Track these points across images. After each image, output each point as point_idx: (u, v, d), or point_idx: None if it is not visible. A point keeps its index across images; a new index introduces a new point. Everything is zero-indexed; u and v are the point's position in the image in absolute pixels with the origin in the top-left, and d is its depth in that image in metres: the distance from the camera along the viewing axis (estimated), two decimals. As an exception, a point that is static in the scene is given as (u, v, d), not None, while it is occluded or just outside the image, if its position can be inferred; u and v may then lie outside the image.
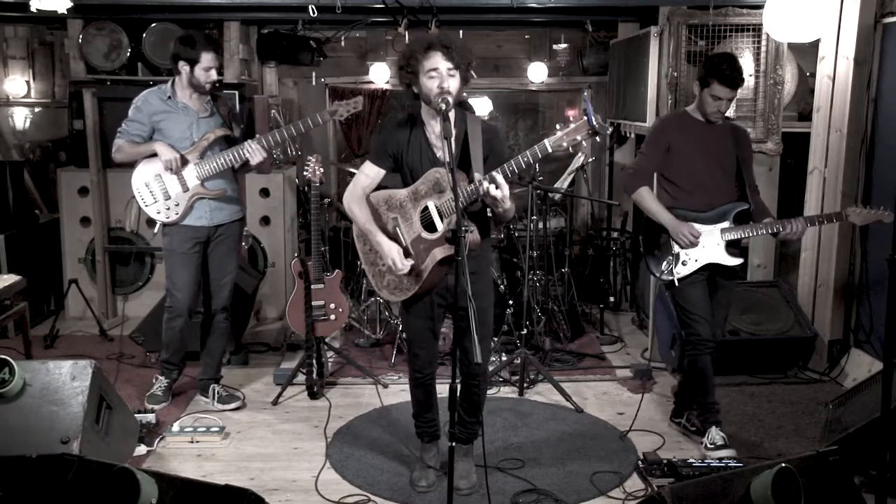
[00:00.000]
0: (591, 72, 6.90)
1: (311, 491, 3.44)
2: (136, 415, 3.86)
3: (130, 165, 4.08)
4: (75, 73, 5.99)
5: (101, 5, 5.64)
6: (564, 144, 2.90)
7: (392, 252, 3.14)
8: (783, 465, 2.25)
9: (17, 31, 6.71)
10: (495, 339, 4.86)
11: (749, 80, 4.90)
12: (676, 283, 3.71)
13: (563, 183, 5.66)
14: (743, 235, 3.71)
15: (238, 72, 6.19)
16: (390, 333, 5.29)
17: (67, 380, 3.12)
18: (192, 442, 3.87)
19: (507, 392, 4.57)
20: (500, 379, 4.65)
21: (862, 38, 4.53)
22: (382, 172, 3.23)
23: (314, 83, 7.20)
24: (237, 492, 2.37)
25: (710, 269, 3.74)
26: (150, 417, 4.01)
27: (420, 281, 3.16)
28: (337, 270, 4.70)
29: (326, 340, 4.80)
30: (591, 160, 5.98)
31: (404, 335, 4.62)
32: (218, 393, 4.31)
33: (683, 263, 3.71)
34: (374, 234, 3.20)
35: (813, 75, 5.04)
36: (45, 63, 6.96)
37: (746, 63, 4.85)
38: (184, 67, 3.99)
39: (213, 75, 4.02)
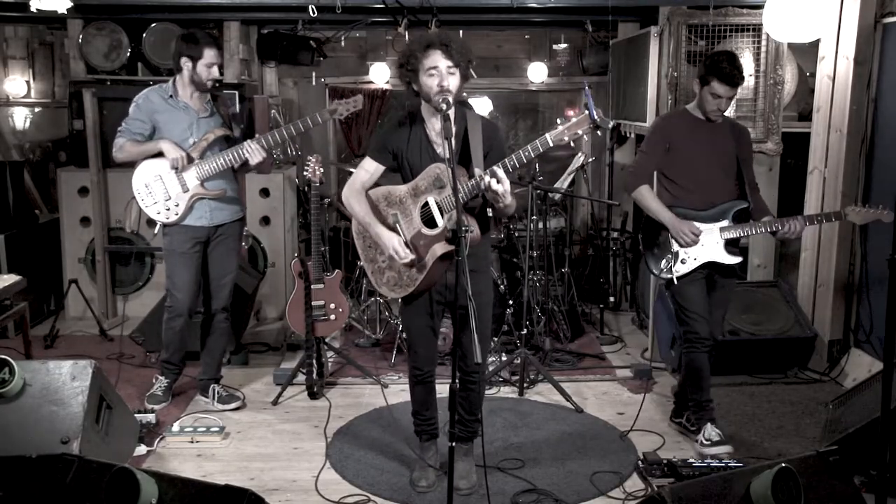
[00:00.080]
0: (591, 72, 6.90)
1: (311, 491, 3.44)
2: (136, 415, 3.87)
3: (131, 165, 4.08)
4: (75, 73, 5.99)
5: (101, 5, 5.65)
6: (566, 138, 2.90)
7: (392, 241, 3.13)
8: (783, 465, 2.26)
9: (17, 31, 6.71)
10: (495, 339, 4.86)
11: (749, 80, 4.90)
12: (675, 282, 3.71)
13: (563, 183, 5.66)
14: (742, 234, 3.71)
15: (238, 72, 6.19)
16: (390, 333, 5.29)
17: (67, 380, 3.12)
18: (192, 442, 3.87)
19: (507, 392, 4.57)
20: (500, 379, 4.65)
21: (862, 38, 4.53)
22: (382, 169, 3.24)
23: (314, 83, 7.20)
24: (237, 492, 2.37)
25: (709, 268, 3.75)
26: (150, 417, 4.01)
27: (422, 273, 3.16)
28: (337, 270, 4.70)
29: (326, 340, 4.80)
30: (591, 160, 5.99)
31: (404, 335, 4.62)
32: (218, 393, 4.31)
33: (682, 262, 3.71)
34: (373, 226, 3.20)
35: (813, 75, 5.04)
36: (45, 63, 6.96)
37: (746, 63, 4.84)
38: (186, 64, 3.99)
39: (215, 72, 4.02)
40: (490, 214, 3.23)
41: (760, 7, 4.40)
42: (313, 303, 4.55)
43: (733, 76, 3.58)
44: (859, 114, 4.62)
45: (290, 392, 4.51)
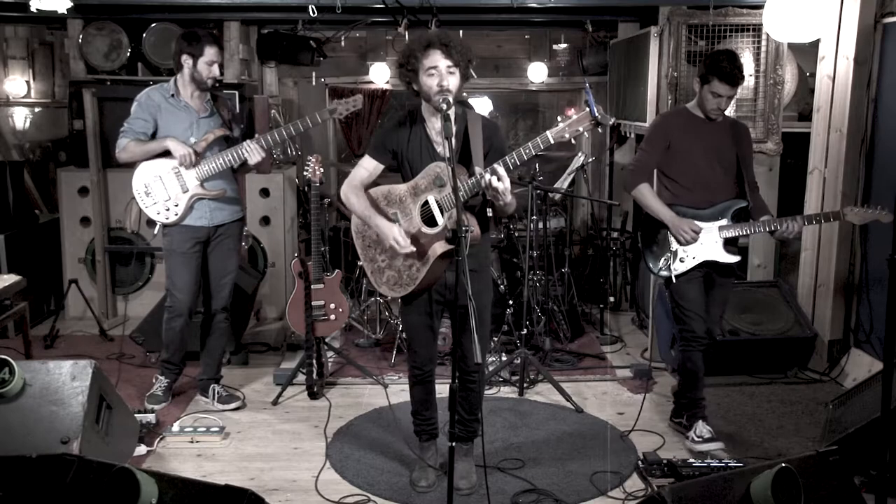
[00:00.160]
0: (591, 72, 6.90)
1: (311, 491, 3.44)
2: (136, 415, 3.87)
3: (132, 165, 4.07)
4: (75, 73, 5.99)
5: (101, 5, 5.65)
6: (567, 135, 2.90)
7: (392, 230, 3.13)
8: (783, 465, 2.25)
9: (17, 31, 6.71)
10: (495, 339, 4.86)
11: (749, 80, 4.90)
12: (674, 280, 3.72)
13: (563, 183, 5.66)
14: (740, 233, 3.71)
15: (238, 72, 6.19)
16: (390, 333, 5.29)
17: (67, 380, 3.12)
18: (192, 442, 3.87)
19: (507, 392, 4.57)
20: (500, 379, 4.65)
21: (862, 38, 4.53)
22: (381, 168, 3.24)
23: (314, 83, 7.20)
24: (237, 492, 2.37)
25: (708, 267, 3.75)
26: (150, 417, 4.01)
27: (421, 272, 3.15)
28: (337, 270, 4.70)
29: (326, 340, 4.80)
30: (591, 160, 5.99)
31: (404, 335, 4.62)
32: (218, 393, 4.31)
33: (681, 260, 3.72)
34: (372, 219, 3.19)
35: (813, 75, 5.04)
36: (45, 63, 6.96)
37: (746, 63, 4.84)
38: (186, 61, 3.99)
39: (216, 70, 4.02)
40: (490, 214, 3.23)
41: (760, 7, 4.40)
42: (313, 303, 4.55)
43: (734, 75, 3.58)
44: (859, 114, 4.62)
45: (290, 392, 4.51)
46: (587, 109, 2.85)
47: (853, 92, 4.58)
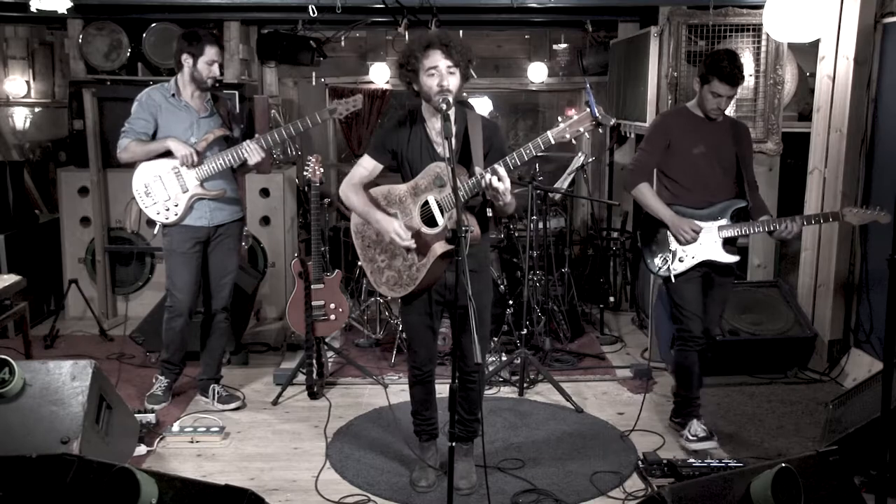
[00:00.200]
0: (591, 72, 6.90)
1: (311, 491, 3.44)
2: (136, 415, 3.87)
3: (132, 165, 4.08)
4: (75, 73, 5.99)
5: (101, 5, 5.65)
6: (567, 136, 2.90)
7: (392, 224, 3.12)
8: (783, 465, 2.25)
9: (17, 31, 6.71)
10: (495, 339, 4.87)
11: (749, 80, 4.91)
12: (673, 280, 3.72)
13: (563, 183, 5.66)
14: (739, 233, 3.72)
15: (238, 72, 6.19)
16: (390, 333, 5.29)
17: (67, 380, 3.12)
18: (192, 442, 3.87)
19: (507, 392, 4.57)
20: (500, 379, 4.65)
21: (862, 38, 4.53)
22: (380, 167, 3.25)
23: (314, 83, 7.21)
24: (237, 492, 2.37)
25: (707, 267, 3.75)
26: (150, 417, 4.01)
27: (421, 272, 3.15)
28: (337, 270, 4.70)
29: (326, 340, 4.80)
30: (591, 160, 5.99)
31: (404, 335, 4.62)
32: (218, 393, 4.31)
33: (680, 260, 3.72)
34: (371, 214, 3.19)
35: (813, 75, 5.04)
36: (45, 63, 6.96)
37: (746, 63, 4.84)
38: (187, 61, 4.00)
39: (216, 70, 4.02)
40: (489, 214, 3.23)
41: (760, 7, 4.40)
42: (313, 303, 4.55)
43: (734, 75, 3.58)
44: (859, 114, 4.62)
45: (290, 392, 4.51)
46: (588, 110, 2.85)
47: (853, 92, 4.58)
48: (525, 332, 4.61)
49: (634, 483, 3.50)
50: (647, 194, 3.76)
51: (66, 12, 4.59)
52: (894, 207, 3.42)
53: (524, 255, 5.00)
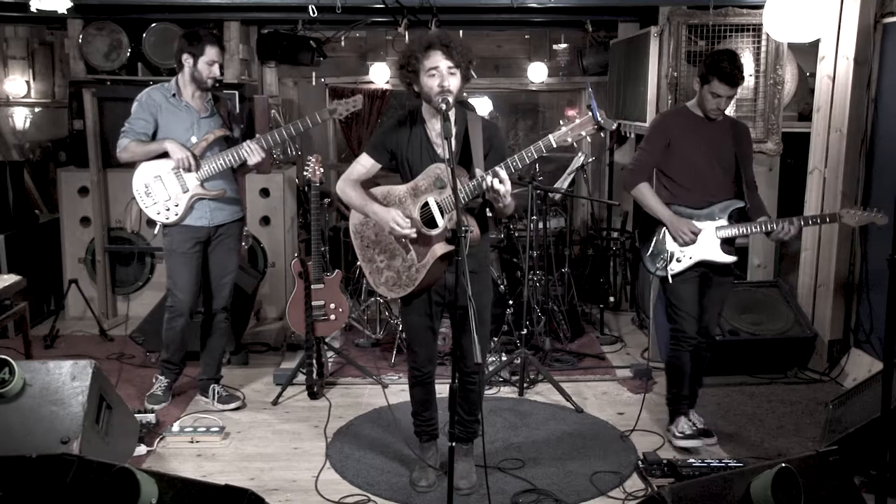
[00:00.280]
0: (591, 72, 6.90)
1: (311, 491, 3.44)
2: (136, 415, 3.87)
3: (132, 165, 4.08)
4: (75, 73, 5.99)
5: (101, 5, 5.65)
6: (569, 140, 2.90)
7: (390, 213, 3.11)
8: (783, 465, 2.25)
9: (17, 31, 6.71)
10: (495, 339, 4.87)
11: (749, 80, 4.90)
12: (670, 280, 3.73)
13: (563, 183, 5.66)
14: (737, 233, 3.72)
15: (238, 72, 6.19)
16: (390, 333, 5.29)
17: (67, 380, 3.12)
18: (192, 442, 3.87)
19: (507, 392, 4.57)
20: (500, 379, 4.65)
21: (862, 38, 4.54)
22: (378, 167, 3.25)
23: (314, 83, 7.21)
24: (237, 492, 2.37)
25: (705, 266, 3.76)
26: (150, 417, 4.01)
27: (421, 273, 3.15)
28: (337, 270, 4.70)
29: (326, 340, 4.80)
30: (591, 160, 5.99)
31: (404, 335, 4.62)
32: (218, 393, 4.31)
33: (678, 260, 3.73)
34: (369, 206, 3.18)
35: (813, 75, 5.04)
36: (45, 63, 6.96)
37: (746, 63, 4.84)
38: (187, 61, 4.00)
39: (216, 71, 4.02)
40: (489, 214, 3.23)
41: (760, 7, 4.40)
42: (313, 303, 4.55)
43: (734, 76, 3.58)
44: (859, 114, 4.62)
45: (290, 392, 4.51)
46: (590, 114, 2.85)
47: (853, 92, 4.58)
48: (525, 332, 4.61)
49: (634, 483, 3.50)
50: (647, 194, 3.77)
51: (66, 12, 4.59)
52: (894, 207, 3.42)
53: (524, 255, 5.00)
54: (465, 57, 3.02)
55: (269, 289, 5.98)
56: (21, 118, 6.92)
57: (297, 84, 7.29)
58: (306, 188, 5.48)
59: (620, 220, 6.37)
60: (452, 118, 3.07)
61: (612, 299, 6.14)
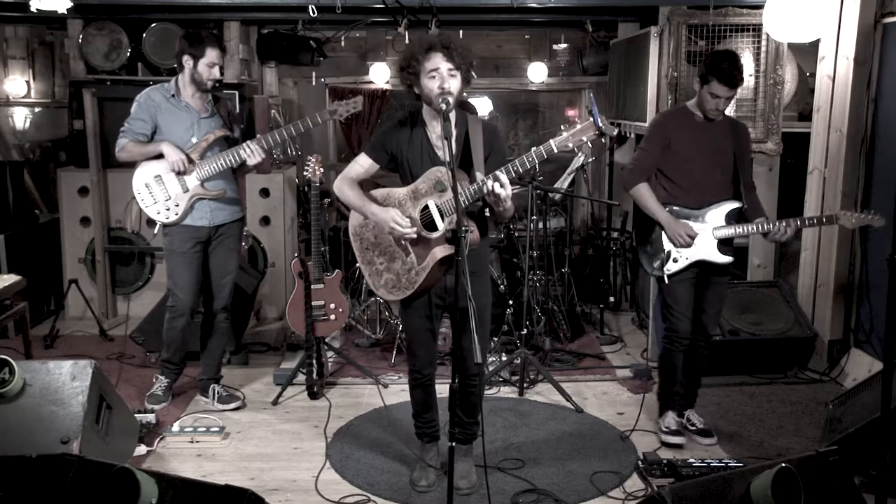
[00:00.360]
0: (591, 72, 6.91)
1: (311, 491, 3.44)
2: (136, 415, 3.87)
3: (132, 165, 4.09)
4: (75, 73, 5.99)
5: (101, 5, 5.65)
6: (570, 145, 2.90)
7: (389, 213, 3.10)
8: (783, 465, 2.25)
9: (17, 31, 6.71)
10: (495, 339, 4.87)
11: (749, 80, 4.90)
12: (666, 280, 3.74)
13: (563, 183, 5.66)
14: (733, 234, 3.73)
15: (238, 72, 6.19)
16: (390, 333, 5.29)
17: (67, 380, 3.12)
18: (192, 442, 3.87)
19: (507, 392, 4.57)
20: (500, 379, 4.65)
21: (862, 38, 4.54)
22: (376, 167, 3.24)
23: (314, 83, 7.20)
24: (237, 492, 2.37)
25: (702, 267, 3.76)
26: (150, 417, 4.01)
27: (421, 276, 3.15)
28: (337, 270, 4.70)
29: (326, 340, 4.80)
30: (591, 160, 5.99)
31: (404, 335, 4.62)
32: (218, 393, 4.31)
33: (674, 260, 3.74)
34: (367, 207, 3.18)
35: (813, 75, 5.04)
36: (45, 63, 6.96)
37: (746, 63, 4.84)
38: (188, 62, 4.00)
39: (216, 73, 4.02)
40: (487, 214, 3.23)
41: (760, 7, 4.40)
42: (313, 303, 4.55)
43: (733, 77, 3.58)
44: (859, 114, 4.62)
45: (290, 392, 4.51)
46: (591, 119, 2.85)
47: (853, 92, 4.58)
48: (525, 332, 4.61)
49: (634, 483, 3.50)
50: (646, 195, 3.77)
51: (66, 12, 4.59)
52: (894, 207, 3.42)
53: (524, 255, 5.00)
54: (465, 59, 3.01)
55: (269, 289, 5.98)
56: (21, 118, 6.93)
57: (297, 84, 7.29)
58: (306, 188, 5.48)
59: (620, 220, 6.37)
60: (453, 120, 3.07)
61: (612, 299, 6.14)
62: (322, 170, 4.58)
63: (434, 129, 3.13)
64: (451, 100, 2.95)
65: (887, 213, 3.69)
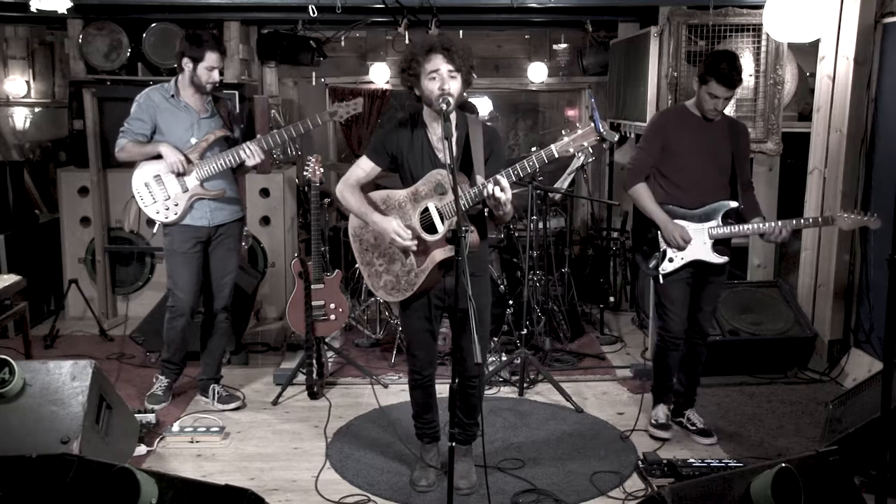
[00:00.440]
0: (591, 72, 6.90)
1: (311, 491, 3.44)
2: (136, 415, 3.87)
3: (132, 164, 4.09)
4: (75, 73, 5.99)
5: (101, 5, 5.65)
6: (571, 150, 2.91)
7: (391, 224, 3.10)
8: (783, 465, 2.25)
9: (17, 31, 6.71)
10: (495, 339, 4.87)
11: (749, 80, 4.90)
12: (661, 280, 3.75)
13: (563, 183, 5.66)
14: (729, 234, 3.74)
15: (238, 72, 6.19)
16: (390, 333, 5.29)
17: (67, 380, 3.12)
18: (192, 442, 3.87)
19: (507, 392, 4.57)
20: (500, 379, 4.65)
21: (862, 38, 4.54)
22: (378, 169, 3.24)
23: (314, 83, 7.20)
24: (237, 492, 2.37)
25: (698, 266, 3.77)
26: (150, 417, 4.01)
27: (420, 278, 3.15)
28: (337, 270, 4.70)
29: (326, 340, 4.80)
30: (591, 160, 5.98)
31: (404, 336, 4.62)
32: (218, 393, 4.31)
33: (670, 260, 3.75)
34: (369, 215, 3.18)
35: (813, 75, 5.04)
36: (45, 63, 6.96)
37: (746, 63, 4.85)
38: (187, 65, 4.00)
39: (215, 76, 4.02)
40: (486, 214, 3.23)
41: (760, 7, 4.40)
42: (313, 303, 4.55)
43: (731, 77, 3.58)
44: (859, 114, 4.62)
45: (290, 392, 4.51)
46: (592, 125, 2.85)
47: (853, 92, 4.58)
48: (525, 332, 4.62)
49: (634, 483, 3.50)
50: (644, 195, 3.77)
51: (66, 12, 4.59)
52: (894, 207, 3.42)
53: (524, 255, 5.01)
54: (466, 61, 3.01)
55: (269, 289, 5.98)
56: (21, 118, 6.92)
57: (297, 84, 7.28)
58: (306, 188, 5.48)
59: (620, 220, 6.37)
60: (453, 122, 3.07)
61: (612, 299, 6.14)
62: (322, 170, 4.58)
63: (434, 131, 3.13)
64: (451, 101, 2.94)
65: (887, 213, 3.70)
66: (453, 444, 2.76)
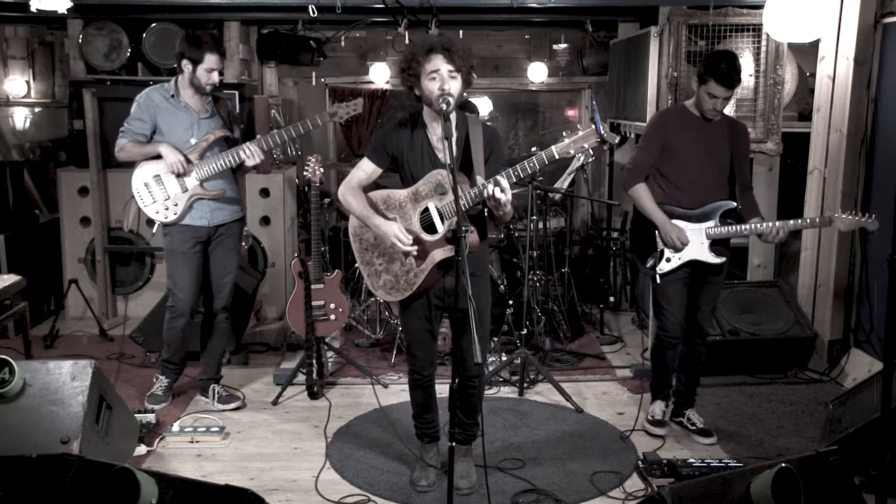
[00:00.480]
0: (591, 72, 6.90)
1: (311, 491, 3.44)
2: (136, 415, 3.87)
3: (131, 164, 4.09)
4: (75, 73, 5.99)
5: (101, 5, 5.65)
6: (571, 152, 2.92)
7: (392, 228, 3.11)
8: (783, 465, 2.25)
9: (17, 31, 6.71)
10: (495, 339, 4.87)
11: (749, 80, 4.91)
12: (658, 280, 3.75)
13: (563, 183, 5.66)
14: (727, 234, 3.74)
15: (238, 72, 6.19)
16: (390, 333, 5.29)
17: (67, 380, 3.12)
18: (192, 442, 3.87)
19: (507, 392, 4.57)
20: (500, 379, 4.65)
21: (862, 38, 4.54)
22: (379, 170, 3.24)
23: (314, 83, 7.20)
24: (237, 492, 2.37)
25: (696, 266, 3.77)
26: (150, 417, 4.01)
27: (419, 278, 3.15)
28: (337, 270, 4.70)
29: (326, 340, 4.80)
30: (591, 160, 5.98)
31: (404, 336, 4.62)
32: (218, 393, 4.31)
33: (667, 260, 3.75)
34: (371, 218, 3.18)
35: (813, 75, 5.04)
36: (45, 63, 6.96)
37: (746, 63, 4.85)
38: (187, 66, 4.00)
39: (215, 78, 4.02)
40: (486, 214, 3.23)
41: (760, 7, 4.40)
42: (313, 303, 4.55)
43: (730, 77, 3.58)
44: (859, 114, 4.62)
45: (290, 392, 4.51)
46: (593, 126, 2.86)
47: (853, 92, 4.58)
48: (525, 332, 4.62)
49: (634, 483, 3.50)
50: (643, 195, 3.78)
51: (66, 12, 4.59)
52: (894, 207, 3.42)
53: (524, 255, 5.01)
54: (466, 61, 3.01)
55: (269, 289, 5.98)
56: (21, 118, 6.92)
57: (297, 84, 7.28)
58: (306, 188, 5.48)
59: (620, 220, 6.37)
60: (453, 122, 3.07)
61: (612, 299, 6.14)
62: (322, 170, 4.58)
63: (434, 131, 3.13)
64: (451, 101, 2.94)
65: (887, 213, 3.70)
66: (453, 444, 2.76)
